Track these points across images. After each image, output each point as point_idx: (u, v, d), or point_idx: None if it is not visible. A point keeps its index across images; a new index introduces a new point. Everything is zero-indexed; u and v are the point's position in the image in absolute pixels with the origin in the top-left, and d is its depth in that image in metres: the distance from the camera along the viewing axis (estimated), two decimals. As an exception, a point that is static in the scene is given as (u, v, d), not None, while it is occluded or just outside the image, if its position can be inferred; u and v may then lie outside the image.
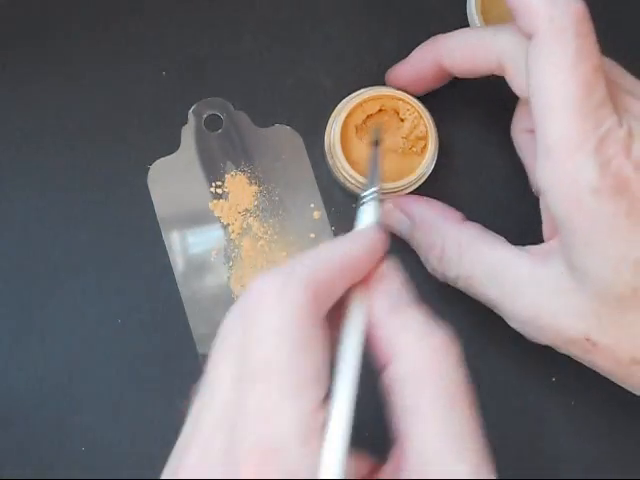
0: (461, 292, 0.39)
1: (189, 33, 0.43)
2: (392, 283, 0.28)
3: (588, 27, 0.30)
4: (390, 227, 0.39)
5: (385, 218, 0.39)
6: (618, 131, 0.29)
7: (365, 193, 0.33)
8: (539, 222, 0.42)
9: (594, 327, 0.31)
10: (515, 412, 0.40)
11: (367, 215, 0.32)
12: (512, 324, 0.34)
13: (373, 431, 0.40)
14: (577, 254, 0.30)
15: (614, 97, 0.31)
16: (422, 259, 0.37)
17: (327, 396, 0.24)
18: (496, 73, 0.34)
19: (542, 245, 0.34)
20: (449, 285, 0.37)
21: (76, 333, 0.40)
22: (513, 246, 0.34)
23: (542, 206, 0.34)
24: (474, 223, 0.36)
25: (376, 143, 0.38)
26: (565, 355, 0.40)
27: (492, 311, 0.40)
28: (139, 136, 0.42)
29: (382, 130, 0.40)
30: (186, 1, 0.43)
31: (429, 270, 0.37)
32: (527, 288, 0.32)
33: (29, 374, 0.40)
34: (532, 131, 0.33)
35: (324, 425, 0.24)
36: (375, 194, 0.33)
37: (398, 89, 0.39)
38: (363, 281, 0.28)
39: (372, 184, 0.34)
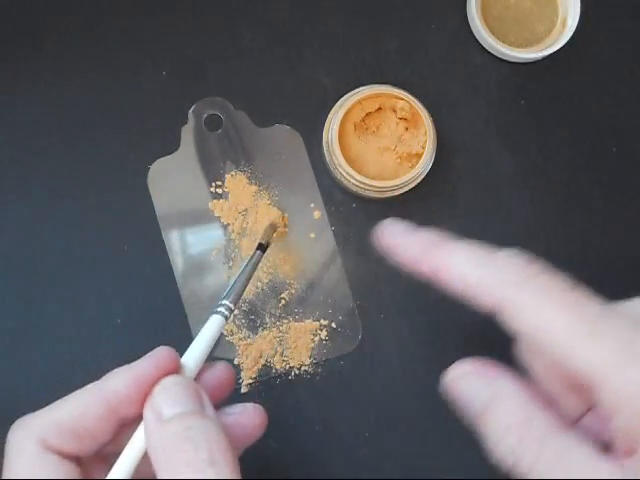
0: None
1: (189, 33, 0.43)
2: (163, 396, 0.29)
3: (537, 266, 0.31)
4: (459, 395, 0.33)
5: (457, 384, 0.33)
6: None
7: (222, 302, 0.33)
8: (539, 222, 0.42)
9: None
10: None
11: (207, 328, 0.32)
12: None
13: (373, 431, 0.41)
14: None
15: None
16: (491, 437, 0.31)
17: None
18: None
19: (624, 460, 0.30)
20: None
21: (76, 333, 0.40)
22: (596, 447, 0.30)
23: (614, 429, 0.32)
24: (554, 411, 0.32)
25: (262, 247, 0.37)
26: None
27: (494, 319, 0.40)
28: (139, 136, 0.42)
29: (272, 231, 0.39)
30: (186, 1, 0.43)
31: (496, 452, 0.31)
32: None
33: (29, 374, 0.40)
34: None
35: None
36: (224, 308, 0.33)
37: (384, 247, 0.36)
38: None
39: (231, 295, 0.34)
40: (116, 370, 0.30)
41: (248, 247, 0.41)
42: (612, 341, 0.29)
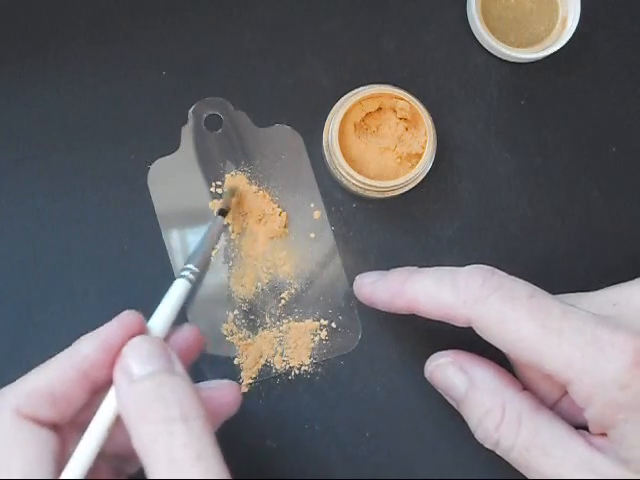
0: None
1: (189, 33, 0.43)
2: (131, 356, 0.29)
3: (496, 278, 0.33)
4: (440, 384, 0.37)
5: (436, 373, 0.37)
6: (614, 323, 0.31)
7: (184, 266, 0.34)
8: (539, 222, 0.42)
9: None
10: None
11: (172, 292, 0.33)
12: None
13: (373, 431, 0.41)
14: (630, 448, 0.30)
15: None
16: (472, 423, 0.35)
17: None
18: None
19: (596, 437, 0.33)
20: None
21: (76, 333, 0.40)
22: (569, 425, 0.33)
23: (587, 419, 0.32)
24: (530, 393, 0.35)
25: (222, 212, 0.37)
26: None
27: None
28: (139, 136, 0.42)
29: (234, 196, 0.39)
30: (186, 1, 0.43)
31: (478, 436, 0.35)
32: (583, 471, 0.32)
33: (29, 374, 0.40)
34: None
35: None
36: (188, 271, 0.34)
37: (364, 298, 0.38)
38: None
39: (194, 259, 0.35)
40: (84, 336, 0.31)
41: (248, 247, 0.41)
42: (577, 340, 0.30)
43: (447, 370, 0.36)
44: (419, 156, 0.39)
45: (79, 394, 0.29)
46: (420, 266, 0.41)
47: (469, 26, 0.43)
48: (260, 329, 0.40)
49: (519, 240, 0.42)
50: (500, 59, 0.43)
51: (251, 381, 0.40)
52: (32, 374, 0.30)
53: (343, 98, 0.40)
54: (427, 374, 0.37)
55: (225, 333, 0.40)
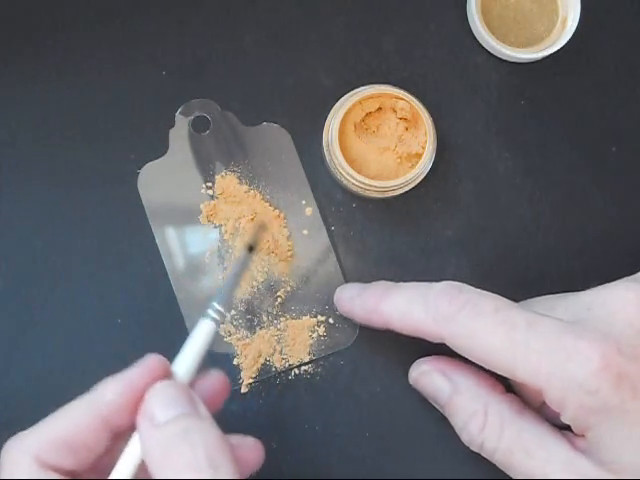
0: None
1: (189, 33, 0.43)
2: (155, 401, 0.29)
3: (463, 295, 0.33)
4: (425, 390, 0.38)
5: (421, 380, 0.38)
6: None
7: (212, 304, 0.32)
8: (539, 222, 0.42)
9: None
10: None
11: (197, 334, 0.32)
12: None
13: (373, 431, 0.41)
14: (606, 449, 0.31)
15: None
16: (457, 427, 0.36)
17: None
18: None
19: (579, 438, 0.33)
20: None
21: (76, 333, 0.40)
22: (552, 427, 0.34)
23: (564, 420, 0.33)
24: (514, 396, 0.36)
25: (250, 248, 0.34)
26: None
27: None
28: (139, 136, 0.42)
29: (261, 233, 0.37)
30: (186, 1, 0.43)
31: (464, 439, 0.36)
32: (567, 473, 0.32)
33: (29, 374, 0.40)
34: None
35: None
36: (215, 313, 0.32)
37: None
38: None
39: (221, 298, 0.32)
40: (106, 380, 0.30)
41: (242, 247, 0.41)
42: (543, 349, 0.31)
43: (431, 377, 0.37)
44: (419, 156, 0.39)
45: (100, 441, 0.29)
46: (420, 266, 0.41)
47: (469, 26, 0.43)
48: (258, 328, 0.40)
49: (519, 240, 0.42)
50: (500, 59, 0.43)
51: (251, 381, 0.40)
52: (52, 420, 0.29)
53: (343, 98, 0.40)
54: (411, 381, 0.38)
55: (223, 334, 0.40)
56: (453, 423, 0.36)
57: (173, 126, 0.42)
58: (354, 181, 0.39)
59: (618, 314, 0.32)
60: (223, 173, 0.41)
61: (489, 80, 0.43)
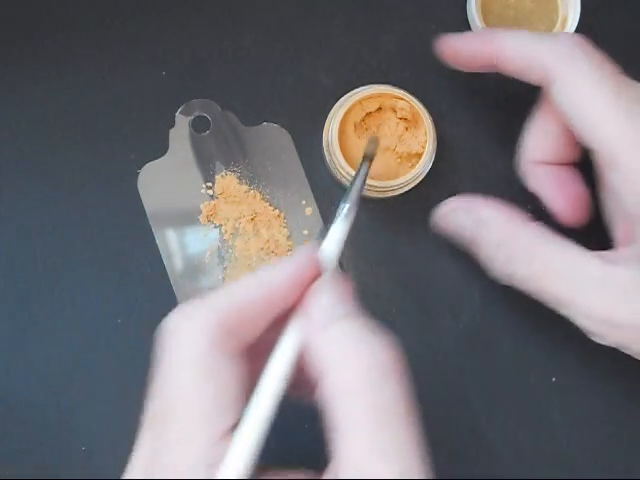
0: (458, 293, 0.39)
1: (189, 33, 0.43)
2: (322, 298, 0.27)
3: (591, 47, 0.33)
4: (450, 228, 0.37)
5: (446, 219, 0.38)
6: None
7: (339, 206, 0.33)
8: (538, 221, 0.42)
9: None
10: (515, 412, 0.40)
11: (330, 234, 0.32)
12: (583, 322, 0.33)
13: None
14: None
15: None
16: (485, 260, 0.36)
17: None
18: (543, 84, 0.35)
19: (614, 251, 0.33)
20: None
21: (76, 333, 0.40)
22: (584, 249, 0.33)
23: (612, 213, 0.33)
24: (540, 225, 0.35)
25: (368, 158, 0.37)
26: (565, 355, 0.40)
27: (491, 312, 0.40)
28: (139, 136, 0.42)
29: (377, 144, 0.38)
30: (186, 1, 0.43)
31: (493, 273, 0.35)
32: (601, 287, 0.32)
33: (29, 374, 0.40)
34: (548, 162, 0.36)
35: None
36: (345, 210, 0.32)
37: (451, 63, 0.39)
38: (298, 304, 0.28)
39: (347, 198, 0.33)
40: (272, 264, 0.29)
41: (242, 247, 0.41)
42: None
43: (455, 214, 0.37)
44: (419, 156, 0.39)
45: (262, 323, 0.27)
46: (420, 266, 0.41)
47: (469, 26, 0.43)
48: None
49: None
50: (500, 59, 0.43)
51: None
52: (221, 296, 0.27)
53: (343, 98, 0.40)
54: (437, 220, 0.38)
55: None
56: (481, 259, 0.35)
57: (173, 126, 0.42)
58: (354, 181, 0.39)
59: None
60: (223, 173, 0.41)
61: (489, 80, 0.43)
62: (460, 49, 0.38)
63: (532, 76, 0.34)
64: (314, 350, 0.26)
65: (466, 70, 0.38)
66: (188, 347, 0.25)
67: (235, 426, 0.25)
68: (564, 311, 0.34)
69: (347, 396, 0.25)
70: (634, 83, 0.32)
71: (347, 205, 0.33)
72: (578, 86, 0.32)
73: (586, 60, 0.32)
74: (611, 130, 0.31)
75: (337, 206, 0.33)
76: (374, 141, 0.38)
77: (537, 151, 0.37)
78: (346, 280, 0.29)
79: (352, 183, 0.35)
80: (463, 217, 0.37)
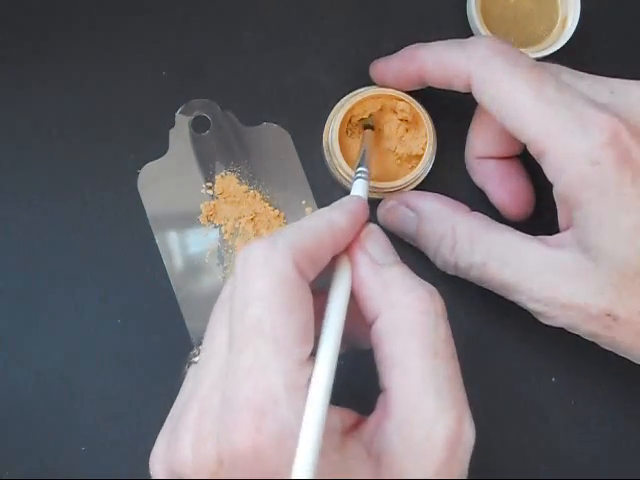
0: (458, 292, 0.39)
1: (189, 33, 0.43)
2: (374, 243, 0.30)
3: (504, 45, 0.34)
4: (393, 225, 0.39)
5: (388, 216, 0.39)
6: (599, 105, 0.32)
7: (357, 170, 0.35)
8: (538, 221, 0.42)
9: (614, 302, 0.31)
10: (515, 412, 0.40)
11: (355, 189, 0.34)
12: (530, 306, 0.34)
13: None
14: (590, 233, 0.31)
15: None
16: (430, 253, 0.37)
17: (313, 353, 0.26)
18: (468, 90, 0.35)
19: (556, 235, 0.34)
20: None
21: (76, 333, 0.40)
22: (525, 234, 0.34)
23: (556, 200, 0.34)
24: (480, 213, 0.37)
25: (369, 127, 0.39)
26: (565, 355, 0.40)
27: (491, 312, 0.40)
28: (139, 136, 0.42)
29: (375, 118, 0.40)
30: (186, 1, 0.43)
31: (438, 264, 0.37)
32: (544, 270, 0.33)
33: (29, 374, 0.40)
34: (491, 157, 0.38)
35: (309, 380, 0.26)
36: (363, 173, 0.35)
37: (381, 85, 0.40)
38: (348, 247, 0.30)
39: (362, 163, 0.36)
40: (333, 205, 0.31)
41: (242, 247, 0.41)
42: (562, 112, 0.31)
43: (397, 211, 0.38)
44: (419, 157, 0.39)
45: (326, 260, 0.29)
46: (420, 267, 0.41)
47: (469, 26, 0.43)
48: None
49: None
50: (500, 59, 0.43)
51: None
52: (298, 230, 0.28)
53: (343, 99, 0.40)
54: (380, 219, 0.39)
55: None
56: (427, 252, 0.37)
57: (173, 126, 0.42)
58: (354, 182, 0.39)
59: (637, 106, 0.32)
60: (223, 173, 0.41)
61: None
62: (385, 71, 0.39)
63: (457, 85, 0.35)
64: (371, 288, 0.28)
65: (402, 90, 0.39)
66: (278, 274, 0.26)
67: (309, 357, 0.26)
68: (512, 297, 0.34)
69: (406, 333, 0.27)
70: (553, 72, 0.33)
71: (362, 169, 0.36)
72: (496, 84, 0.33)
73: (500, 58, 0.33)
74: (534, 122, 0.32)
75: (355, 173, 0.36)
76: (372, 117, 0.40)
77: (480, 147, 0.38)
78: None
79: (361, 154, 0.37)
80: (405, 212, 0.38)
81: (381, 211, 0.39)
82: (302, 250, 0.27)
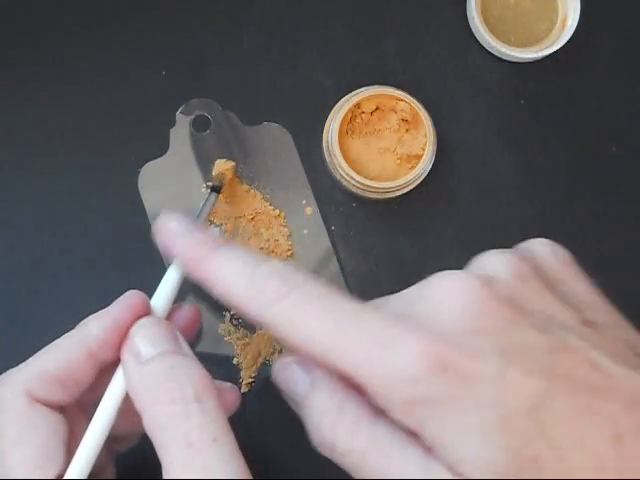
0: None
1: (189, 33, 0.43)
2: (141, 338, 0.29)
3: (293, 278, 0.30)
4: (285, 383, 0.33)
5: (283, 372, 0.34)
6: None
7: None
8: (539, 222, 0.42)
9: None
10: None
11: (171, 271, 0.32)
12: None
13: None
14: (446, 448, 0.28)
15: None
16: (309, 426, 0.31)
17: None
18: None
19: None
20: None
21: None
22: (408, 433, 0.29)
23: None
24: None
25: (215, 189, 0.38)
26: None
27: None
28: (139, 136, 0.42)
29: (224, 178, 0.40)
30: (186, 1, 0.43)
31: (314, 441, 0.31)
32: (425, 476, 0.28)
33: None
34: None
35: None
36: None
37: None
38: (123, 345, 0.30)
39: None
40: (91, 316, 0.30)
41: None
42: (365, 339, 0.28)
43: (291, 369, 0.33)
44: (419, 157, 0.39)
45: (86, 375, 0.29)
46: (420, 266, 0.41)
47: (469, 26, 0.43)
48: (257, 328, 0.40)
49: (519, 240, 0.42)
50: (500, 59, 0.43)
51: (251, 380, 0.40)
52: (41, 356, 0.30)
53: (343, 99, 0.40)
54: (273, 374, 0.34)
55: (223, 333, 0.40)
56: (307, 423, 0.32)
57: (173, 125, 0.42)
58: (354, 182, 0.39)
59: (440, 305, 0.29)
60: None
61: (489, 80, 0.43)
62: (172, 252, 0.33)
63: (246, 317, 0.31)
64: (134, 387, 0.28)
65: None
66: (6, 406, 0.28)
67: (61, 476, 0.27)
68: None
69: (161, 429, 0.27)
70: (340, 299, 0.29)
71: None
72: (289, 325, 0.30)
73: (290, 297, 0.30)
74: (343, 359, 0.29)
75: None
76: (221, 177, 0.40)
77: None
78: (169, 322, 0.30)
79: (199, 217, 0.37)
80: (297, 374, 0.33)
81: (276, 366, 0.34)
82: (40, 377, 0.28)
